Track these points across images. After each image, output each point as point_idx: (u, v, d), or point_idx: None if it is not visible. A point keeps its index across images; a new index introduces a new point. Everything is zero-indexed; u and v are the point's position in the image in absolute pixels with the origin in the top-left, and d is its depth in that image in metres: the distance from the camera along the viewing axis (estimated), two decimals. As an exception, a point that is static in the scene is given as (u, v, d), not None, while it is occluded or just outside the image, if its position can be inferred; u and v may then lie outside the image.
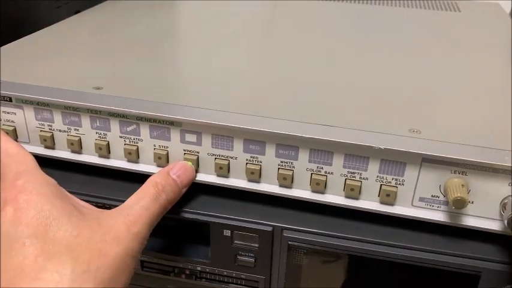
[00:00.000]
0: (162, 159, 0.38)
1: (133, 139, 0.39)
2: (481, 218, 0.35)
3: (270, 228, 0.37)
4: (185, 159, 0.38)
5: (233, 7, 0.67)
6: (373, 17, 0.66)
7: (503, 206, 0.33)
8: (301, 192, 0.37)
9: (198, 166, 0.38)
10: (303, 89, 0.42)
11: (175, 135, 0.37)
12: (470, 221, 0.35)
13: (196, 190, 0.39)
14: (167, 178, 0.35)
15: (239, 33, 0.57)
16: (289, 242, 0.37)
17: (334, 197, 0.37)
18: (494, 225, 0.34)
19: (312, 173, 0.36)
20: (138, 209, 0.32)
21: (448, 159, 0.33)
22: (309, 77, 0.45)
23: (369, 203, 0.36)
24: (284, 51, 0.52)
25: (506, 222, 0.32)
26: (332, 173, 0.36)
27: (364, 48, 0.53)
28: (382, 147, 0.33)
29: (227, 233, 0.38)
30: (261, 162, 0.37)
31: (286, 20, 0.64)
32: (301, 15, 0.65)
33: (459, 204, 0.32)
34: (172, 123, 0.37)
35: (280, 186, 0.37)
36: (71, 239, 0.28)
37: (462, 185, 0.33)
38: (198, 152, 0.38)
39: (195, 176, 0.38)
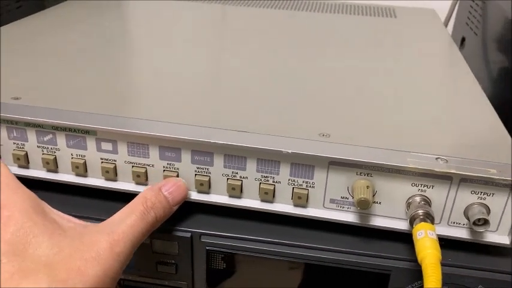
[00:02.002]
0: (80, 169, 0.38)
1: (51, 149, 0.38)
2: (388, 217, 0.36)
3: (188, 235, 0.37)
4: (102, 168, 0.38)
5: (167, 13, 0.68)
6: (308, 23, 0.67)
7: (408, 205, 0.35)
8: (219, 197, 0.38)
9: (115, 175, 0.38)
10: (219, 95, 0.43)
11: (91, 143, 0.37)
12: (378, 221, 0.36)
13: (114, 199, 0.39)
14: (158, 195, 0.35)
15: (168, 40, 0.57)
16: (208, 248, 0.37)
17: (250, 201, 0.37)
18: (401, 225, 0.36)
19: (227, 178, 0.37)
20: (124, 227, 0.31)
21: (353, 162, 0.34)
22: (227, 83, 0.46)
23: (283, 206, 0.37)
24: (207, 57, 0.53)
25: (408, 221, 0.33)
26: (246, 178, 0.37)
27: (289, 55, 0.54)
28: (289, 151, 0.34)
29: (147, 240, 0.38)
30: (177, 169, 0.37)
31: (221, 27, 0.65)
32: (236, 23, 0.66)
33: (363, 205, 0.33)
34: (87, 132, 0.37)
35: (198, 192, 0.38)
36: (50, 257, 0.28)
37: (367, 187, 0.34)
38: (115, 161, 0.38)
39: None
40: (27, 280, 0.27)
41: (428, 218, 0.33)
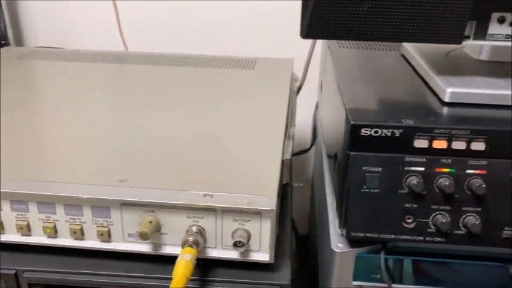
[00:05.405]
0: None
1: None
2: (176, 245, 0.43)
3: (13, 272, 0.44)
4: None
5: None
6: (165, 76, 0.75)
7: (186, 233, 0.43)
8: (38, 238, 0.45)
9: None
10: (47, 149, 0.50)
11: None
12: (169, 249, 0.44)
13: None
14: None
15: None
16: (29, 282, 0.44)
17: (65, 240, 0.45)
18: (184, 251, 0.43)
19: (43, 222, 0.44)
20: None
21: (136, 202, 0.42)
22: (57, 138, 0.53)
23: (92, 242, 0.44)
24: (57, 112, 0.60)
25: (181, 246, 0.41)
26: (58, 220, 0.44)
27: (124, 110, 0.61)
28: (85, 196, 0.42)
29: (-22, 279, 0.44)
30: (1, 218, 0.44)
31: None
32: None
33: (143, 237, 0.41)
34: None
35: (22, 235, 0.45)
36: None
37: (150, 222, 0.42)
38: None
39: None
40: None
41: (195, 243, 0.41)
